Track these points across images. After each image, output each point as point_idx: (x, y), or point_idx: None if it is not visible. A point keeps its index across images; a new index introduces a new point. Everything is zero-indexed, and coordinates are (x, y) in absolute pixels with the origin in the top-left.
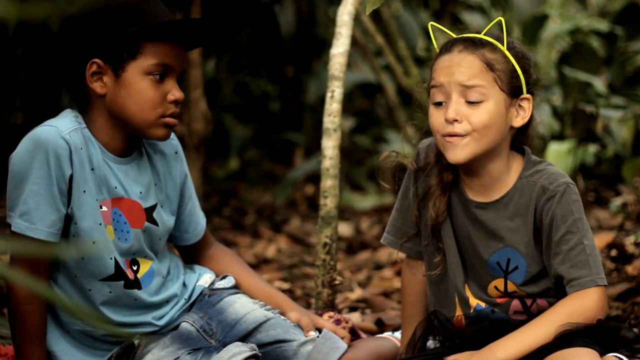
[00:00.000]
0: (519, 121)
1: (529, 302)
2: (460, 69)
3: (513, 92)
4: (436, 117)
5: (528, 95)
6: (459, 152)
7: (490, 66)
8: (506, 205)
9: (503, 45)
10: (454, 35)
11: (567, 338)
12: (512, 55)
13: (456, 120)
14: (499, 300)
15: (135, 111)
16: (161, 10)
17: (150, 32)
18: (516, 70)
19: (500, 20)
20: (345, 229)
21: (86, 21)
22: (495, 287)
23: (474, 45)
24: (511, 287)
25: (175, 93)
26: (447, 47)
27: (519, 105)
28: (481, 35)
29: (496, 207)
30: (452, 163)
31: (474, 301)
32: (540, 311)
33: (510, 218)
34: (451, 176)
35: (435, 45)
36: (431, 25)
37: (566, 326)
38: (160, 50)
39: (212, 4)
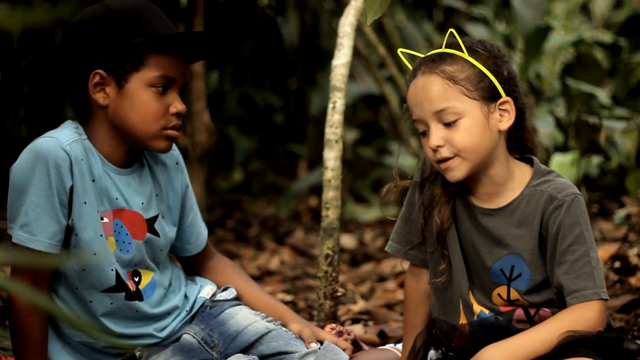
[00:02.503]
0: (504, 124)
1: (532, 311)
2: (425, 95)
3: (488, 96)
4: (425, 147)
5: (507, 98)
6: (455, 174)
7: (452, 79)
8: (512, 213)
9: (463, 52)
10: (421, 55)
11: (570, 347)
12: (475, 59)
13: (440, 146)
14: (502, 309)
15: (137, 123)
16: (164, 23)
17: (154, 45)
18: (486, 75)
19: (451, 32)
20: (348, 240)
21: (90, 31)
22: (499, 295)
23: (434, 63)
24: (514, 294)
25: (178, 105)
26: (414, 73)
27: (500, 109)
28: (441, 50)
29: (502, 214)
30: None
31: (477, 308)
32: (543, 321)
33: (516, 225)
34: (454, 186)
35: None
36: (401, 51)
37: (568, 334)
38: (163, 62)
39: (215, 16)
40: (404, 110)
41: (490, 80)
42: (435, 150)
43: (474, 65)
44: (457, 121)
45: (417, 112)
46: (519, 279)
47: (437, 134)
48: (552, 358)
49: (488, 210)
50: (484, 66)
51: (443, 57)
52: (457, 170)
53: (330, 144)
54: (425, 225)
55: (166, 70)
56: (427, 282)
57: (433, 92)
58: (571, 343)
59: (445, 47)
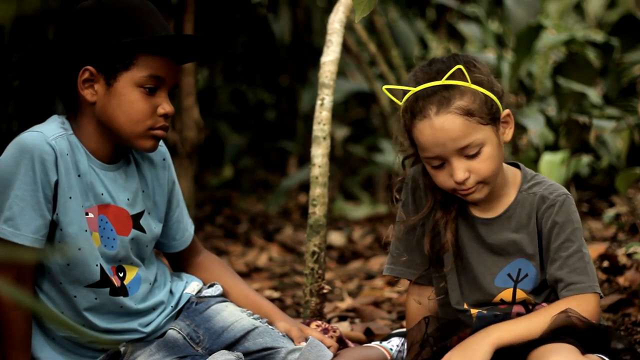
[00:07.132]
0: (508, 135)
1: (530, 306)
2: (447, 135)
3: (495, 116)
4: (443, 178)
5: (507, 111)
6: (477, 195)
7: (468, 113)
8: (509, 219)
9: (468, 82)
10: (410, 89)
11: (559, 334)
12: (479, 86)
13: (466, 179)
14: (501, 306)
15: (124, 122)
16: (158, 22)
17: (145, 45)
18: (490, 98)
19: (459, 69)
20: (337, 238)
21: (82, 27)
22: (502, 300)
23: (445, 100)
24: (520, 295)
25: (166, 107)
26: (420, 111)
27: (504, 122)
28: (444, 82)
29: (500, 221)
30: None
31: (474, 311)
32: None
33: (514, 230)
34: (456, 206)
35: (396, 99)
36: (385, 88)
37: (562, 315)
38: (153, 63)
39: (206, 12)
40: (397, 143)
41: (494, 101)
42: (460, 182)
43: (479, 92)
44: (480, 151)
45: (437, 150)
46: (525, 279)
47: (461, 168)
48: (537, 342)
49: (487, 220)
50: (487, 90)
51: (449, 90)
52: (480, 193)
53: (318, 140)
54: (432, 253)
55: (156, 71)
56: (428, 300)
57: (455, 131)
58: (559, 330)
59: (447, 78)
